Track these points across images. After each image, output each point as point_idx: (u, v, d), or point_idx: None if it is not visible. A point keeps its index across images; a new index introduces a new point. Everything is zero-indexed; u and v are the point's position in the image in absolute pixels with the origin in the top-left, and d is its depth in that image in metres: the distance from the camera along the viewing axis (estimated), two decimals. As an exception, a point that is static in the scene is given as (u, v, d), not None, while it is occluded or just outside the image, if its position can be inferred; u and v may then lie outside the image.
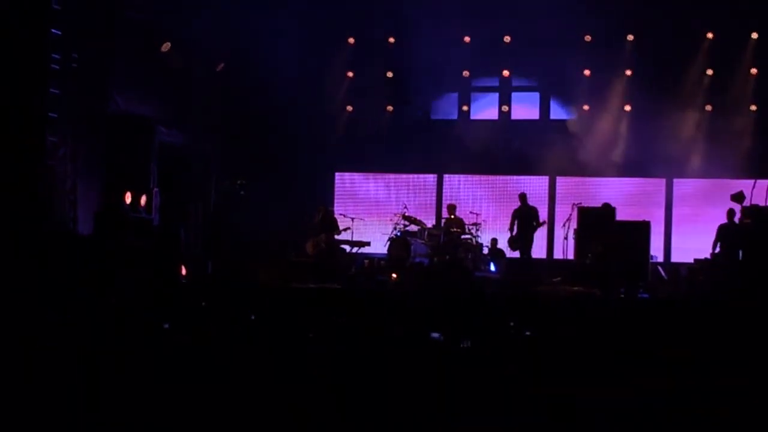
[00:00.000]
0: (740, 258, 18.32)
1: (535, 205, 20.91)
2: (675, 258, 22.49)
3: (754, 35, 22.27)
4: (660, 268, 20.43)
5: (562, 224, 20.22)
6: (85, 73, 18.81)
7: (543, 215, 21.16)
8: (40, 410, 7.94)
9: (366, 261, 21.19)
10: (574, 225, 19.71)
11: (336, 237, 20.91)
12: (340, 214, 21.42)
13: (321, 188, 23.83)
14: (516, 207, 20.72)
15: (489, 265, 21.10)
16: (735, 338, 11.59)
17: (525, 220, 20.51)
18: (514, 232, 20.50)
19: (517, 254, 20.86)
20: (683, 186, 23.03)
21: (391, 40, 23.71)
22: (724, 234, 18.86)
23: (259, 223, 21.84)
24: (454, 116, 23.91)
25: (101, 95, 19.51)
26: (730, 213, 18.92)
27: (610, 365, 9.97)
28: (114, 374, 8.97)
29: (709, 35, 22.49)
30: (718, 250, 18.81)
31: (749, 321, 12.84)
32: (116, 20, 19.67)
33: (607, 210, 19.35)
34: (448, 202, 22.16)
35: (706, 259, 18.95)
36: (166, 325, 12.22)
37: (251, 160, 23.02)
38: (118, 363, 9.41)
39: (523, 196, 20.80)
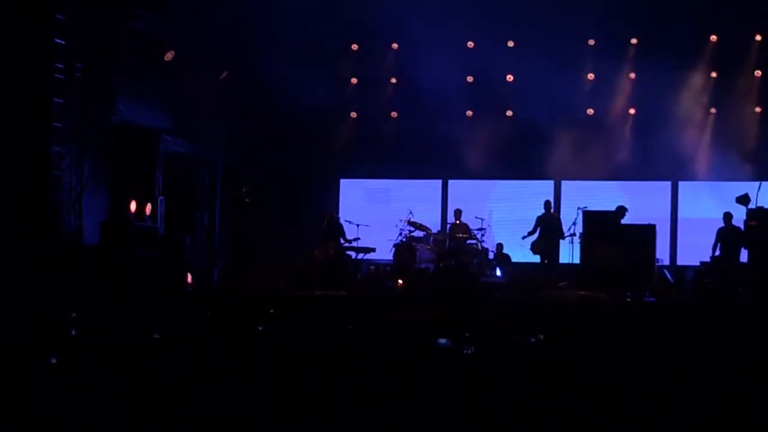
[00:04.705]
0: (740, 260, 18.77)
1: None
2: (681, 261, 22.48)
3: (758, 37, 22.29)
4: (666, 271, 20.41)
5: (567, 228, 20.21)
6: (89, 82, 18.87)
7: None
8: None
9: (372, 267, 21.19)
10: (579, 229, 19.71)
11: (343, 243, 20.89)
12: (346, 221, 21.38)
13: (326, 195, 23.81)
14: (541, 214, 20.78)
15: (495, 270, 21.10)
16: (741, 339, 11.58)
17: (548, 227, 20.55)
18: (534, 237, 20.50)
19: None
20: (689, 188, 23.02)
21: (395, 46, 23.71)
22: (722, 237, 19.12)
23: (264, 230, 21.86)
24: (459, 121, 23.78)
25: (106, 105, 19.55)
26: (727, 216, 19.12)
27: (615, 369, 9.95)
28: (119, 384, 8.97)
29: (713, 38, 22.50)
30: (718, 253, 19.07)
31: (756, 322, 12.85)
32: (120, 29, 19.72)
33: (618, 213, 19.29)
34: (455, 207, 22.10)
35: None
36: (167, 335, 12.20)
37: (256, 168, 23.03)
38: (125, 372, 9.42)
39: (547, 204, 20.91)
